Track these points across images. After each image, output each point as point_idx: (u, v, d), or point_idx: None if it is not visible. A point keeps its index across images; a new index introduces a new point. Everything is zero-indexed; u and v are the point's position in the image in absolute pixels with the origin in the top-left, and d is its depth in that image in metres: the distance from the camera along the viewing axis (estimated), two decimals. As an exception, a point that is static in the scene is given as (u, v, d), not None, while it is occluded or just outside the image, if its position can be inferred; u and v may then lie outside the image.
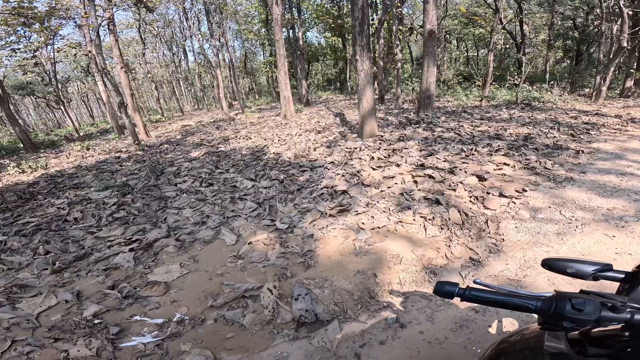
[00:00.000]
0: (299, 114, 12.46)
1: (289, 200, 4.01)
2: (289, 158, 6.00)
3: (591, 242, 2.66)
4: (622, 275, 0.69)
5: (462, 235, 2.91)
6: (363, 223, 3.21)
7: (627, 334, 0.64)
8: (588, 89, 15.71)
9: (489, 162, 4.83)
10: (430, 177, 4.25)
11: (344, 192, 4.00)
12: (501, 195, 3.72)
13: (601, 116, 8.98)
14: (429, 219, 3.20)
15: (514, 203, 3.51)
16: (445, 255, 2.63)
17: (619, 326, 0.62)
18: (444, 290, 0.69)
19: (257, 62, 34.12)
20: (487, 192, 3.77)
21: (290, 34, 18.22)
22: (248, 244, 3.06)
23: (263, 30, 22.49)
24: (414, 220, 3.20)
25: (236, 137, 9.46)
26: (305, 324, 2.02)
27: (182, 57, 29.65)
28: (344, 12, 18.35)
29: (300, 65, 16.43)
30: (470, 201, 3.59)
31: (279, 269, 2.61)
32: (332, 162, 5.35)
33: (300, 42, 16.35)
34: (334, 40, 20.58)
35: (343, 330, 1.97)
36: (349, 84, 23.52)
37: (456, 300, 0.77)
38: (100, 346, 1.97)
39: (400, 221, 3.19)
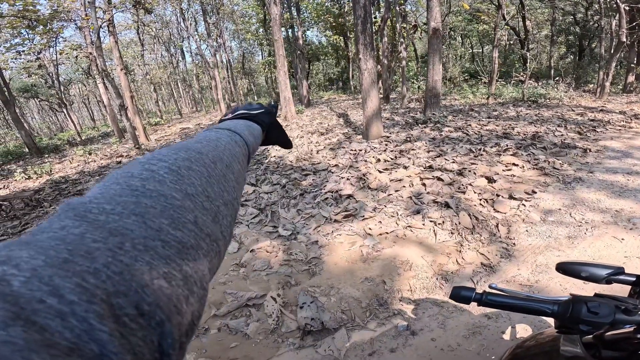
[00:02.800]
0: (300, 115, 12.34)
1: (292, 206, 3.98)
2: (291, 161, 5.93)
3: (601, 246, 2.65)
4: (634, 279, 0.70)
5: (473, 240, 2.90)
6: (370, 228, 3.19)
7: (639, 336, 0.66)
8: (592, 85, 15.61)
9: (498, 163, 4.80)
10: (439, 179, 4.22)
11: (349, 196, 3.97)
12: (511, 197, 3.69)
13: (606, 112, 8.92)
14: (439, 224, 3.18)
15: (524, 205, 3.49)
16: (457, 261, 2.62)
17: (632, 329, 0.64)
18: (461, 296, 0.70)
19: (255, 63, 34.02)
20: (496, 195, 3.75)
21: (290, 33, 18.13)
22: (250, 251, 3.04)
23: (261, 30, 22.38)
24: (424, 224, 3.18)
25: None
26: (311, 333, 2.02)
27: (180, 58, 29.76)
28: (345, 10, 18.29)
29: (301, 65, 16.36)
30: (480, 204, 3.57)
31: (282, 277, 2.60)
32: (336, 165, 5.31)
33: (300, 42, 16.27)
34: (336, 39, 20.48)
35: (351, 338, 1.97)
36: (352, 83, 23.46)
37: (469, 306, 0.78)
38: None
39: (409, 226, 3.17)
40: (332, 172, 4.95)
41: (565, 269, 0.74)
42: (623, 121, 7.69)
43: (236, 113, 0.57)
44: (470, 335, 1.91)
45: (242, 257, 2.97)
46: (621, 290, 0.76)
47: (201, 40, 21.23)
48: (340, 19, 18.62)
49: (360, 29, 6.16)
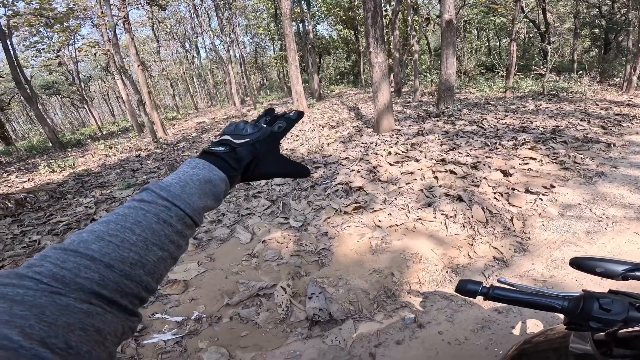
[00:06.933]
0: (311, 108, 12.33)
1: (303, 198, 3.98)
2: (302, 154, 5.93)
3: (622, 242, 2.53)
4: None
5: (485, 233, 2.82)
6: (380, 220, 3.15)
7: None
8: (618, 79, 14.97)
9: (514, 157, 4.66)
10: (452, 172, 4.13)
11: (359, 188, 3.94)
12: (527, 191, 3.58)
13: (633, 107, 8.55)
14: (451, 217, 3.11)
15: (541, 200, 3.37)
16: (468, 255, 2.56)
17: None
18: (467, 289, 0.68)
19: (267, 57, 33.99)
20: (512, 189, 3.64)
21: (300, 27, 18.04)
22: (262, 242, 3.07)
23: (272, 25, 22.29)
24: (435, 217, 3.12)
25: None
26: (319, 323, 2.01)
27: (195, 54, 29.96)
28: (355, 3, 18.08)
29: (312, 59, 16.28)
30: (495, 198, 3.47)
31: (292, 268, 2.61)
32: (346, 158, 5.27)
33: (311, 36, 16.20)
34: (346, 33, 20.27)
35: (358, 329, 1.96)
36: (362, 77, 23.20)
37: (478, 300, 0.75)
38: (124, 343, 2.03)
39: (419, 219, 3.11)
40: (343, 165, 4.92)
41: (579, 264, 0.72)
42: (651, 115, 7.34)
43: (219, 139, 0.49)
44: (478, 330, 1.86)
45: (254, 248, 3.00)
46: (639, 287, 0.72)
47: (215, 36, 21.29)
48: (350, 13, 18.46)
49: (370, 22, 6.07)
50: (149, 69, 26.59)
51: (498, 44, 25.09)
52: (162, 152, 9.03)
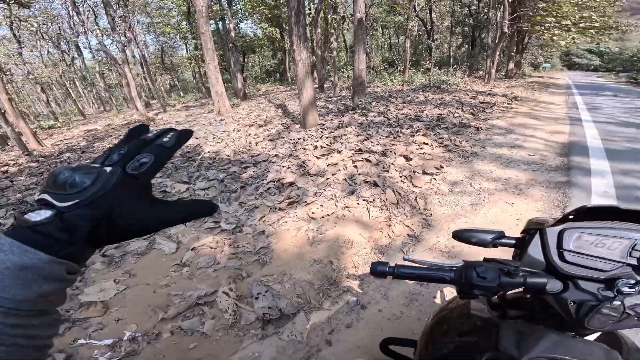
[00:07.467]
0: (235, 108, 11.44)
1: (233, 199, 3.69)
2: (228, 155, 5.49)
3: (497, 211, 2.98)
4: (514, 241, 0.70)
5: (398, 214, 3.04)
6: (313, 212, 3.14)
7: (528, 295, 0.69)
8: (482, 72, 17.34)
9: (412, 143, 5.07)
10: (368, 160, 4.32)
11: (291, 184, 3.86)
12: (424, 173, 3.93)
13: (493, 96, 9.98)
14: (370, 202, 3.26)
15: (435, 179, 3.74)
16: (388, 235, 2.73)
17: (522, 290, 0.64)
18: (378, 271, 0.66)
19: (178, 57, 29.13)
20: (413, 171, 3.97)
21: (220, 25, 16.44)
22: (191, 249, 2.73)
23: (185, 23, 19.42)
24: (358, 204, 3.24)
25: (161, 140, 8.31)
26: (271, 321, 1.95)
27: (76, 55, 24.56)
28: (281, 2, 17.25)
29: (234, 57, 14.98)
30: (402, 181, 3.73)
31: (232, 271, 2.42)
32: (276, 155, 5.09)
33: (232, 34, 14.79)
34: (272, 31, 19.24)
35: (310, 320, 1.94)
36: (289, 75, 22.58)
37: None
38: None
39: (346, 206, 3.20)
40: (273, 162, 4.72)
41: (459, 236, 0.74)
42: (505, 103, 8.68)
43: (39, 197, 0.31)
44: (409, 303, 1.99)
45: (183, 257, 2.65)
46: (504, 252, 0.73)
47: (104, 35, 17.52)
48: (276, 11, 17.53)
49: (293, 21, 5.83)
50: (8, 72, 21.24)
51: (397, 41, 26.66)
52: (40, 166, 7.06)
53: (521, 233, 0.70)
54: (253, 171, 4.50)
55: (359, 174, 3.93)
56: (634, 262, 0.57)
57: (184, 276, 2.42)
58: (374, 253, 2.52)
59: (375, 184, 3.61)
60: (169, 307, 2.10)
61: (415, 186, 3.62)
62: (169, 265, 2.57)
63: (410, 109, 7.77)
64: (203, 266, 2.51)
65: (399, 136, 5.49)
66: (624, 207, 0.58)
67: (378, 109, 7.94)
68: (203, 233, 2.97)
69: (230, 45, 14.60)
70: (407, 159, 4.40)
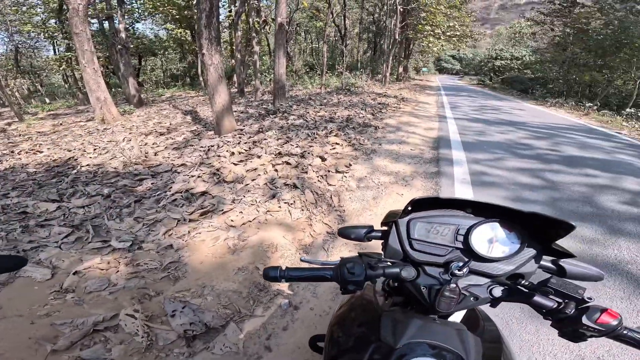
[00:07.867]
0: (127, 116, 9.55)
1: (126, 215, 3.09)
2: (116, 168, 4.56)
3: (391, 202, 3.29)
4: (380, 234, 0.69)
5: (317, 212, 3.10)
6: (232, 220, 2.93)
7: (396, 284, 0.69)
8: (380, 75, 18.85)
9: (327, 144, 5.22)
10: (287, 163, 4.26)
11: (203, 193, 3.48)
12: (337, 171, 4.08)
13: (387, 97, 10.92)
14: (291, 204, 3.23)
15: (345, 177, 3.89)
16: (310, 234, 2.76)
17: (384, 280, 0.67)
18: (271, 276, 0.62)
19: (41, 59, 22.73)
20: (328, 171, 4.09)
21: (106, 25, 13.26)
22: (74, 274, 2.19)
23: (54, 21, 15.39)
24: (280, 207, 3.18)
25: (13, 152, 6.09)
26: (197, 337, 1.74)
27: None
28: (193, 2, 15.25)
29: (125, 60, 12.24)
30: (318, 180, 3.78)
31: (135, 291, 2.04)
32: (183, 165, 4.49)
33: (123, 35, 12.03)
34: (180, 33, 16.55)
35: (244, 329, 1.81)
36: (201, 79, 20.43)
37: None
38: None
39: (268, 211, 3.11)
40: (179, 172, 4.16)
41: (341, 233, 0.73)
42: (395, 103, 9.58)
43: None
44: (334, 298, 1.98)
45: (63, 282, 2.11)
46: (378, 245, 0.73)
47: None
48: (186, 12, 15.38)
49: (204, 23, 5.17)
50: None
51: (317, 45, 26.72)
52: None
53: (381, 225, 0.70)
54: (152, 183, 3.89)
55: (280, 177, 3.84)
56: (460, 245, 0.59)
57: (69, 303, 1.97)
58: (299, 253, 2.52)
59: (295, 186, 3.57)
60: (57, 338, 1.70)
61: (330, 185, 3.73)
62: (46, 293, 2.05)
63: (325, 111, 7.96)
64: (94, 290, 2.08)
65: (316, 137, 5.58)
66: (443, 197, 0.62)
67: (298, 112, 7.91)
68: (87, 254, 2.44)
69: (119, 47, 11.86)
70: (323, 159, 4.49)
